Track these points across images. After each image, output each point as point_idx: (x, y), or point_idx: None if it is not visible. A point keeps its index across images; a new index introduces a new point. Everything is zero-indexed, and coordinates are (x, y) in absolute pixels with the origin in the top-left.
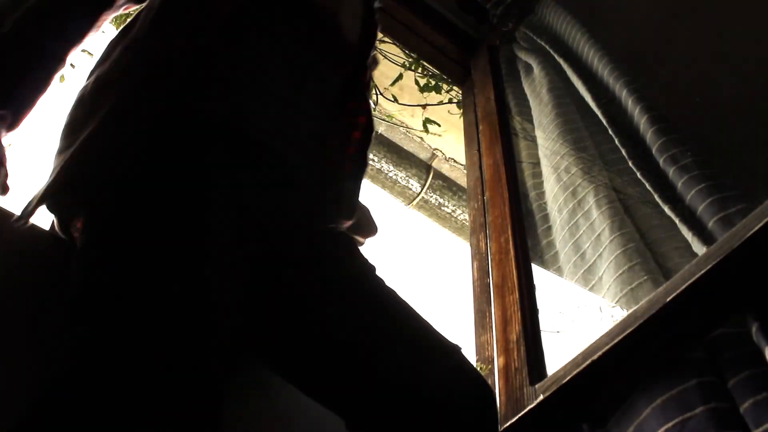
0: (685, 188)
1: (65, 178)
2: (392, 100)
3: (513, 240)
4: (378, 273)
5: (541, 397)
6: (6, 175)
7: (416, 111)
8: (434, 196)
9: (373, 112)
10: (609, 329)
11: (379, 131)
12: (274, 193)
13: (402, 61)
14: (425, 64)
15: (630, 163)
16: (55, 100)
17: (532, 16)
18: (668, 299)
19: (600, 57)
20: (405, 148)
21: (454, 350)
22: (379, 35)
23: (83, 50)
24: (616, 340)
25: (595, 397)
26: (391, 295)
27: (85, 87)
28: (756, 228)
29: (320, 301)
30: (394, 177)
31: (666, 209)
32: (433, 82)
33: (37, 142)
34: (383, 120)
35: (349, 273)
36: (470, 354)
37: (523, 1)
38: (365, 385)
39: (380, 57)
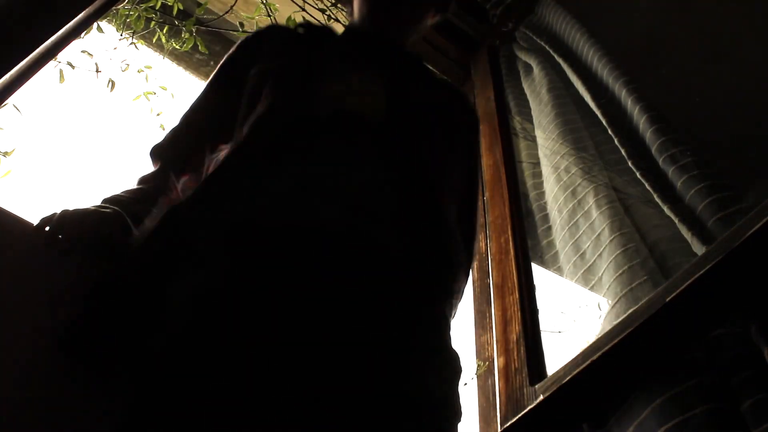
0: (684, 188)
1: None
2: None
3: (513, 240)
4: None
5: (541, 397)
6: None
7: None
8: None
9: None
10: (609, 329)
11: None
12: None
13: None
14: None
15: (630, 163)
16: (53, 100)
17: (532, 16)
18: (668, 299)
19: (599, 57)
20: None
21: None
22: None
23: (83, 51)
24: (616, 340)
25: (595, 397)
26: None
27: None
28: (755, 227)
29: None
30: None
31: (666, 209)
32: None
33: (39, 142)
34: None
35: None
36: (471, 354)
37: (523, 1)
38: None
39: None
